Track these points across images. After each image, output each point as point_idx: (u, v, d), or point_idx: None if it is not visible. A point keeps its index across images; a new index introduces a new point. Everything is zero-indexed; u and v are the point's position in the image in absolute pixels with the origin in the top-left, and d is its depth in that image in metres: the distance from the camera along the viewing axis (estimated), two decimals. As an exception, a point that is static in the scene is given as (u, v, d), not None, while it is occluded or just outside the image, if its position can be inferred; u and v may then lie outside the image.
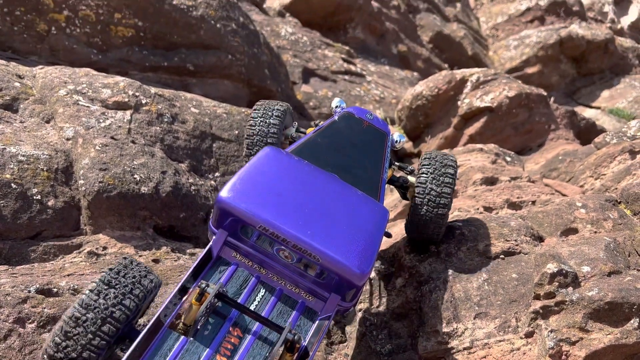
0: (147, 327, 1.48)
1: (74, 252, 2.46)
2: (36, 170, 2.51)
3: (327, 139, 2.18)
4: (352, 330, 2.44)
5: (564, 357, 1.91)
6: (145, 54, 4.25)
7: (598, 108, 9.16)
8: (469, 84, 4.97)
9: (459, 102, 4.94)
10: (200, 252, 1.78)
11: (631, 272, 2.16)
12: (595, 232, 2.58)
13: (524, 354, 2.00)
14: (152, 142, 2.93)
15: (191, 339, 1.53)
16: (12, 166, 2.44)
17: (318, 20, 7.46)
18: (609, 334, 1.90)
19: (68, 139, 2.71)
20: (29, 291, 1.97)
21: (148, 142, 2.91)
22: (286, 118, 2.45)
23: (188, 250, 2.74)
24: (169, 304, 1.55)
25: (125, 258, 1.66)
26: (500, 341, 2.07)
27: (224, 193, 1.68)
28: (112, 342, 1.52)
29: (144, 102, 3.08)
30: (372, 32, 7.90)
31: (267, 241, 1.71)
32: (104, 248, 2.50)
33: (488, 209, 3.10)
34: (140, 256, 2.54)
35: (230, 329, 1.59)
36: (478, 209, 3.09)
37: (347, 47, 7.22)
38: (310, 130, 2.40)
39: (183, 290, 1.61)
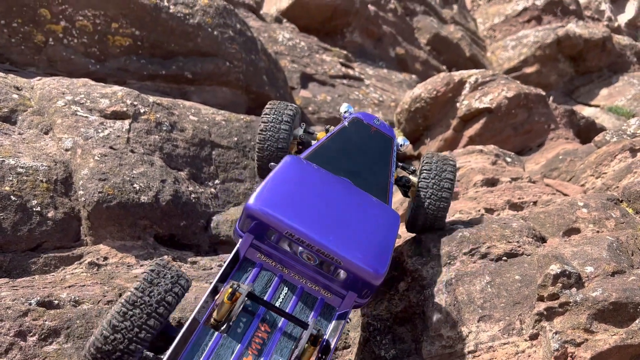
0: (185, 325, 1.62)
1: (75, 263, 2.46)
2: (35, 181, 2.50)
3: (339, 144, 2.34)
4: (355, 335, 2.42)
5: (569, 359, 1.90)
6: (143, 63, 4.25)
7: (597, 106, 9.15)
8: (467, 86, 4.96)
9: (457, 104, 4.93)
10: (228, 256, 1.93)
11: (635, 271, 2.15)
12: (598, 232, 2.57)
13: (529, 356, 1.99)
14: (151, 151, 2.93)
15: (225, 334, 1.67)
16: (11, 178, 2.44)
17: (315, 25, 7.47)
18: (614, 334, 1.89)
19: (67, 150, 2.71)
20: (30, 304, 1.96)
21: (147, 151, 2.91)
22: (295, 120, 2.59)
23: (189, 259, 2.73)
24: (204, 304, 1.69)
25: (161, 260, 1.81)
26: (504, 344, 2.06)
27: (252, 201, 1.82)
28: (154, 336, 1.66)
29: (142, 111, 3.07)
30: (369, 36, 7.91)
31: (289, 243, 1.85)
32: (105, 258, 2.50)
33: (489, 210, 3.09)
34: (141, 266, 2.54)
35: (259, 325, 1.73)
36: (479, 210, 3.08)
37: (344, 52, 7.23)
38: (321, 135, 2.60)
39: (214, 292, 1.74)
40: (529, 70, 9.85)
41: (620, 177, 3.33)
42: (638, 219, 2.71)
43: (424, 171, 2.45)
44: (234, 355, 1.64)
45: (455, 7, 10.23)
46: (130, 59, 4.21)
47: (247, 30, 5.05)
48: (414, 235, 2.60)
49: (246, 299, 1.71)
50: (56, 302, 2.03)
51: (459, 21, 9.99)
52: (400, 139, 2.52)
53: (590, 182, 3.67)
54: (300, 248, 1.82)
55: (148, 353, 1.63)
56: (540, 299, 2.08)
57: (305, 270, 1.88)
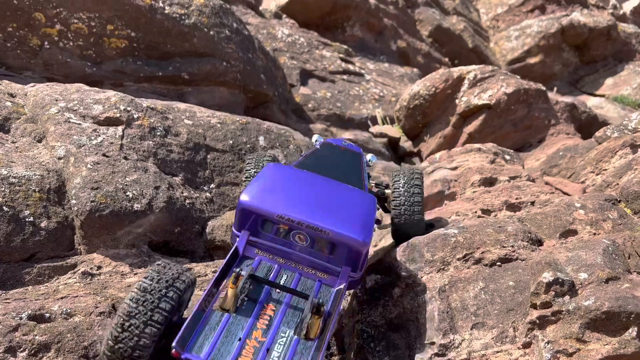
0: (194, 310, 1.73)
1: (69, 272, 2.46)
2: (28, 191, 2.50)
3: (313, 160, 2.58)
4: (349, 342, 2.41)
5: (561, 368, 1.88)
6: (139, 65, 4.23)
7: (602, 96, 9.05)
8: (466, 82, 4.91)
9: (457, 101, 4.88)
10: (223, 261, 2.00)
11: (630, 276, 2.12)
12: (595, 234, 2.54)
13: (521, 365, 1.97)
14: (145, 157, 2.92)
15: (234, 314, 1.81)
16: (3, 189, 2.43)
17: (315, 20, 7.42)
18: (606, 344, 1.87)
19: (60, 158, 2.71)
20: (21, 318, 1.96)
21: (141, 157, 2.90)
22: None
23: (184, 265, 2.72)
24: (209, 293, 1.80)
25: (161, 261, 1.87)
26: (497, 352, 2.04)
27: (243, 197, 2.02)
28: (168, 319, 1.73)
29: (135, 116, 3.06)
30: (370, 29, 7.84)
31: (283, 233, 2.04)
32: (99, 267, 2.50)
33: (486, 211, 3.06)
34: (135, 274, 2.54)
35: (265, 304, 1.88)
36: (476, 212, 3.05)
37: (345, 46, 7.17)
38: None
39: (217, 283, 1.86)
40: (533, 60, 9.75)
41: (620, 173, 3.29)
42: (636, 220, 2.67)
43: (395, 182, 2.77)
44: (244, 330, 1.77)
45: (457, -3, 10.14)
46: (126, 61, 4.20)
47: (243, 29, 5.01)
48: (407, 241, 2.58)
49: (249, 282, 1.88)
50: (47, 315, 2.03)
51: (462, 12, 9.89)
52: (369, 155, 2.87)
53: (590, 179, 3.63)
54: (292, 231, 2.01)
55: None
56: (533, 307, 2.06)
57: (301, 256, 2.05)
